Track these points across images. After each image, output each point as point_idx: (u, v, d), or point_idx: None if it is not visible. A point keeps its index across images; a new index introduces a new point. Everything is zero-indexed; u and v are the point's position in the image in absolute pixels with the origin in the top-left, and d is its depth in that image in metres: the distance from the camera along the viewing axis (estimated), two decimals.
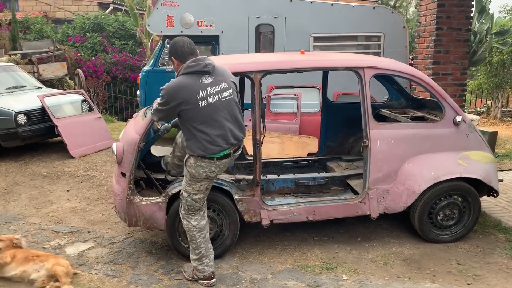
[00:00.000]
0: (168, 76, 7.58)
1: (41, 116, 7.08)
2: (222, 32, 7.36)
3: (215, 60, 3.65)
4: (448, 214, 3.97)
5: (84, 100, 7.78)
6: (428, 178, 3.80)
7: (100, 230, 4.49)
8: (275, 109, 7.37)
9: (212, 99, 3.10)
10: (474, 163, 3.92)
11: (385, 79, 5.03)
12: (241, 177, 4.13)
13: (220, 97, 3.14)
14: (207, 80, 3.12)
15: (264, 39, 7.46)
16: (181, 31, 7.40)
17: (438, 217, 3.96)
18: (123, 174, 3.65)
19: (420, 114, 4.58)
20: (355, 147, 5.21)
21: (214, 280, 3.38)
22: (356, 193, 4.27)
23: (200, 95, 3.06)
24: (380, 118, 5.02)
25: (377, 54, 7.25)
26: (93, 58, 13.01)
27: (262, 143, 3.69)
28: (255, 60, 3.75)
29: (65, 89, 10.07)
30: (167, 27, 7.40)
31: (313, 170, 5.02)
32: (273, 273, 3.56)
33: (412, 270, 3.58)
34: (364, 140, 3.78)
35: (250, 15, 7.27)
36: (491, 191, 4.05)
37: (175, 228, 3.70)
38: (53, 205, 5.22)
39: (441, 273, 3.54)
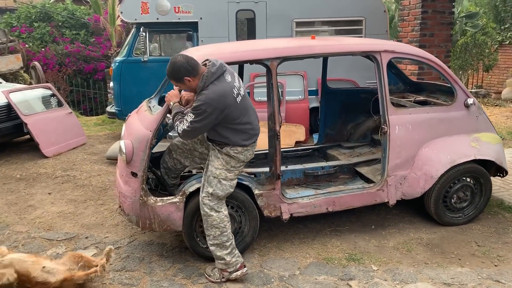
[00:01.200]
0: (144, 67, 7.21)
1: (7, 113, 6.51)
2: (201, 18, 7.03)
3: (226, 48, 3.44)
4: (461, 196, 3.99)
5: (53, 95, 7.23)
6: (445, 162, 3.78)
7: (99, 235, 4.16)
8: (259, 98, 7.16)
9: (241, 92, 3.14)
10: (486, 145, 3.94)
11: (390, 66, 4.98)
12: (252, 170, 3.94)
13: (241, 87, 3.17)
14: (228, 77, 3.10)
15: (243, 25, 7.21)
16: (157, 18, 7.00)
17: (452, 200, 3.97)
18: (134, 174, 3.36)
19: (421, 98, 4.57)
20: (354, 134, 5.14)
21: (246, 268, 3.30)
22: (367, 180, 4.21)
23: (235, 93, 3.07)
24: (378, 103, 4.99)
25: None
26: (42, 49, 12.15)
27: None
28: (270, 47, 3.54)
29: (20, 84, 9.34)
30: (141, 14, 6.96)
31: (314, 159, 4.90)
32: (299, 269, 3.42)
33: (436, 255, 3.57)
34: (383, 126, 3.69)
35: (230, 0, 6.98)
36: (498, 171, 4.11)
37: (193, 229, 3.47)
38: (36, 210, 4.79)
39: (465, 256, 3.55)
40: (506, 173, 4.06)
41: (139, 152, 3.32)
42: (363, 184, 3.89)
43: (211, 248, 3.24)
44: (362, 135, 5.08)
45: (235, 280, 3.25)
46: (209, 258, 3.50)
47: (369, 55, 3.65)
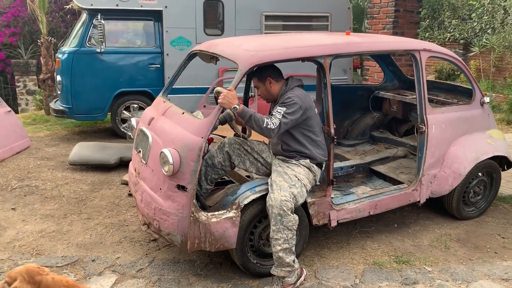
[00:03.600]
0: (99, 58, 6.42)
1: None
2: (166, 7, 6.44)
3: (274, 43, 3.19)
4: (476, 191, 4.17)
5: None
6: (471, 160, 3.90)
7: (106, 256, 3.59)
8: None
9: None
10: (498, 141, 4.16)
11: (383, 60, 5.01)
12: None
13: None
14: None
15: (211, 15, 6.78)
16: (117, 5, 6.27)
17: (470, 195, 4.13)
18: (182, 187, 2.91)
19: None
20: (351, 131, 5.11)
21: (305, 272, 3.18)
22: (384, 179, 4.19)
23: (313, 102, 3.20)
24: (375, 100, 5.02)
25: None
26: None
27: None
28: (321, 43, 3.29)
29: None
30: None
31: None
32: (357, 277, 3.28)
33: (474, 251, 3.67)
34: (420, 126, 3.68)
35: None
36: (504, 165, 4.36)
37: (245, 244, 3.12)
38: (7, 231, 4.00)
39: (498, 249, 3.70)
40: (511, 166, 4.33)
41: (189, 162, 2.87)
42: (398, 186, 3.84)
43: (280, 254, 2.92)
44: (361, 132, 5.07)
45: None
46: (257, 274, 3.22)
47: (410, 53, 3.60)
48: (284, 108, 3.01)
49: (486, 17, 11.31)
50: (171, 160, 2.86)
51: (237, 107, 2.89)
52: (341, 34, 3.71)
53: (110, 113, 6.83)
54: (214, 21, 6.81)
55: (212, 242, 2.98)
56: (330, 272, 3.33)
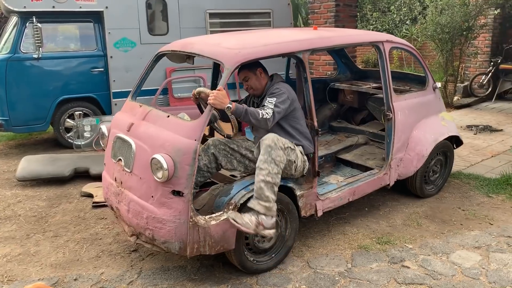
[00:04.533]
0: (36, 65, 5.97)
1: None
2: (107, 7, 6.13)
3: (254, 41, 3.22)
4: (435, 170, 4.51)
5: None
6: (431, 141, 4.21)
7: (88, 273, 3.39)
8: (179, 94, 6.70)
9: None
10: (450, 123, 4.53)
11: (336, 53, 5.21)
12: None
13: None
14: None
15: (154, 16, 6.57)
16: (53, 6, 5.86)
17: (430, 174, 4.46)
18: (178, 193, 2.83)
19: (376, 85, 4.96)
20: None
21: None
22: (351, 166, 4.38)
23: None
24: (331, 92, 5.21)
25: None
26: None
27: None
28: (297, 38, 3.34)
29: None
30: (32, 1, 5.71)
31: None
32: (348, 262, 3.41)
33: (442, 225, 3.97)
34: (387, 113, 3.90)
35: None
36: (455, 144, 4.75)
37: (241, 243, 3.12)
38: None
39: (463, 221, 4.03)
40: (461, 144, 4.72)
41: (184, 167, 2.80)
42: (371, 171, 4.03)
43: (261, 184, 2.89)
44: (320, 124, 5.22)
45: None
46: (254, 271, 3.24)
47: (375, 45, 3.79)
48: (274, 99, 3.10)
49: (405, 9, 12.15)
50: (165, 166, 2.77)
51: (230, 106, 2.88)
52: (309, 29, 3.81)
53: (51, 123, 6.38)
54: (158, 21, 6.61)
55: (212, 245, 2.94)
56: (321, 261, 3.43)
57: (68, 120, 6.38)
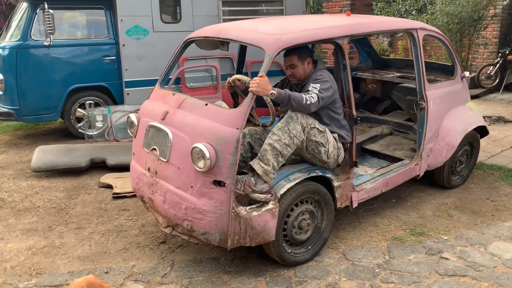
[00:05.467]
0: (48, 52, 5.81)
1: None
2: None
3: (292, 26, 3.12)
4: (461, 160, 4.45)
5: None
6: (461, 131, 4.15)
7: (118, 265, 3.30)
8: (191, 84, 6.57)
9: None
10: (477, 113, 4.47)
11: (359, 42, 5.11)
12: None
13: None
14: None
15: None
16: None
17: (457, 165, 4.40)
18: (219, 183, 2.73)
19: (400, 74, 4.87)
20: None
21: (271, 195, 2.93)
22: (379, 157, 4.31)
23: None
24: (353, 81, 5.12)
25: None
26: None
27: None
28: (335, 24, 3.25)
29: None
30: None
31: None
32: (385, 254, 3.34)
33: (473, 216, 3.91)
34: (420, 102, 3.82)
35: None
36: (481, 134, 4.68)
37: (280, 234, 3.03)
38: None
39: (493, 211, 3.98)
40: (487, 134, 4.67)
41: (226, 156, 2.70)
42: (402, 162, 3.96)
43: (267, 147, 2.83)
44: None
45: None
46: (292, 263, 3.17)
47: (409, 32, 3.70)
48: (318, 85, 3.02)
49: (409, 0, 12.05)
50: (208, 155, 2.67)
51: (274, 92, 2.78)
52: (342, 15, 3.71)
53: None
54: (170, 8, 6.46)
55: (253, 236, 2.86)
56: (358, 253, 3.36)
57: (79, 109, 6.23)
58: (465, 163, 4.52)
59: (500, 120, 7.00)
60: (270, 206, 2.87)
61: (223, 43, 3.34)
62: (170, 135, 2.98)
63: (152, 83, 6.34)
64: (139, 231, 3.81)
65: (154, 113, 3.24)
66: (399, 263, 3.21)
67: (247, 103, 2.78)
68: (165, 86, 3.68)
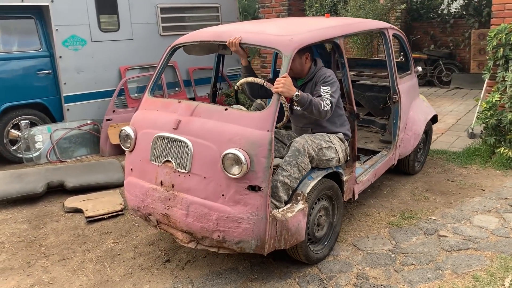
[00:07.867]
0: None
1: None
2: (52, 1, 5.43)
3: (295, 27, 3.18)
4: (421, 147, 4.88)
5: None
6: (423, 121, 4.56)
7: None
8: (135, 94, 6.25)
9: None
10: (428, 104, 4.94)
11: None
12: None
13: None
14: None
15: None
16: None
17: (418, 152, 4.82)
18: (255, 188, 2.68)
19: (352, 73, 5.19)
20: None
21: None
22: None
23: None
24: None
25: (217, 24, 7.16)
26: None
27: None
28: (330, 25, 3.36)
29: None
30: None
31: None
32: (390, 240, 3.54)
33: (445, 196, 4.31)
34: (394, 96, 4.11)
35: None
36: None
37: (305, 234, 3.06)
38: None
39: (459, 190, 4.43)
40: (436, 121, 5.17)
41: (260, 160, 2.66)
42: (381, 153, 4.22)
43: (277, 184, 2.85)
44: None
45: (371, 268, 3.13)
46: (314, 261, 3.22)
47: (382, 31, 3.97)
48: (329, 87, 3.10)
49: (316, 5, 12.78)
50: (244, 160, 2.60)
51: (299, 93, 2.80)
52: (322, 17, 3.85)
53: None
54: (108, 16, 6.07)
55: (288, 238, 2.84)
56: (366, 242, 3.52)
57: (12, 131, 5.54)
58: (423, 150, 4.97)
59: None
60: (301, 205, 2.88)
61: (225, 46, 3.26)
62: (190, 144, 2.83)
63: (94, 96, 5.98)
64: (135, 253, 3.54)
65: (160, 123, 3.04)
66: (408, 246, 3.43)
67: (273, 104, 2.76)
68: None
